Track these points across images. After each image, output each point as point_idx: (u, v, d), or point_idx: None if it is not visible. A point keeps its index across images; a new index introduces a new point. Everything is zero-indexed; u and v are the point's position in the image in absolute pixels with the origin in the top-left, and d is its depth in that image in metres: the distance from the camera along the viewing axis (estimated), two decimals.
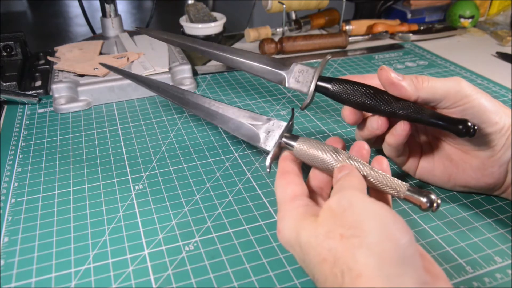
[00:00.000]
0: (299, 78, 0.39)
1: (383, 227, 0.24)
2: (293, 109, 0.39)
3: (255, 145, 0.38)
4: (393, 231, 0.23)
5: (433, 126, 0.34)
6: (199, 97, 0.41)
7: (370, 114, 0.38)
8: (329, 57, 0.39)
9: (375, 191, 0.32)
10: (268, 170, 0.34)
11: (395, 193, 0.30)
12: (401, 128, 0.35)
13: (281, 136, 0.35)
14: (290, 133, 0.36)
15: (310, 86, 0.38)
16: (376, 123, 0.36)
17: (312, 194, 0.33)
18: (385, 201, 0.32)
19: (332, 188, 0.35)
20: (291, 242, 0.28)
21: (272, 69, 0.41)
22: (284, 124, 0.37)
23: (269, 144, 0.37)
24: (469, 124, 0.32)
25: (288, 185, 0.31)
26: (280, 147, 0.35)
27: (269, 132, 0.37)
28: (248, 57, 0.42)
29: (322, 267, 0.24)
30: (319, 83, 0.38)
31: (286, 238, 0.28)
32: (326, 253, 0.24)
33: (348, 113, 0.37)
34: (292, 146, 0.34)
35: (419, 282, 0.22)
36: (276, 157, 0.35)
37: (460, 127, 0.32)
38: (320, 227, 0.25)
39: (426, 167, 0.39)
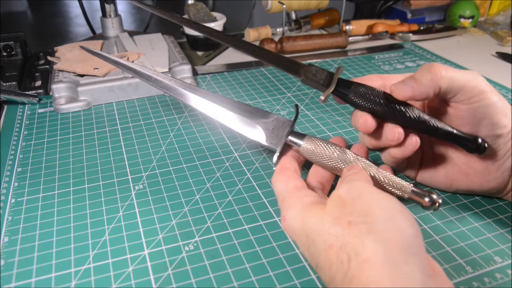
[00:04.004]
0: (316, 76, 0.37)
1: (391, 216, 0.24)
2: (297, 105, 0.38)
3: (259, 142, 0.37)
4: (400, 221, 0.24)
5: (444, 139, 0.33)
6: (198, 91, 0.39)
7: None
8: (342, 70, 0.37)
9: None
10: (275, 168, 0.34)
11: (400, 193, 0.31)
12: (412, 144, 0.34)
13: (287, 134, 0.35)
14: (293, 129, 0.35)
15: (330, 84, 0.36)
16: (391, 133, 0.34)
17: (311, 190, 0.33)
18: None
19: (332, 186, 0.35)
20: (297, 231, 0.28)
21: (289, 63, 0.38)
22: (289, 121, 0.36)
23: (275, 142, 0.36)
24: (480, 141, 0.32)
25: (289, 179, 0.31)
26: (286, 145, 0.35)
27: (273, 129, 0.36)
28: (268, 53, 0.39)
29: (328, 253, 0.24)
30: (338, 88, 0.36)
31: (292, 227, 0.28)
32: (333, 239, 0.24)
33: (364, 121, 0.34)
34: (298, 145, 0.34)
35: (425, 272, 0.23)
36: (282, 155, 0.35)
37: (471, 143, 0.32)
38: (327, 215, 0.26)
39: (428, 171, 0.38)
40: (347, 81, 0.36)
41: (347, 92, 0.35)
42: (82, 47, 0.45)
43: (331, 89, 0.35)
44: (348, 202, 0.26)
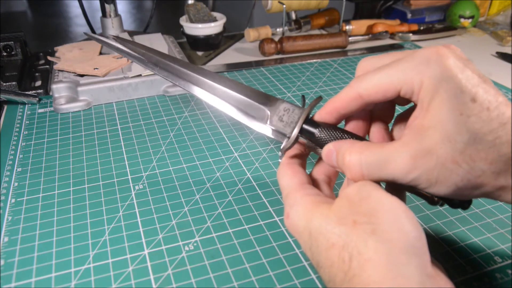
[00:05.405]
0: (284, 117, 0.33)
1: (396, 218, 0.24)
2: (303, 96, 0.36)
3: (264, 134, 0.34)
4: (405, 223, 0.24)
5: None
6: (203, 79, 0.35)
7: None
8: (313, 107, 0.33)
9: (390, 186, 0.32)
10: (280, 160, 0.34)
11: (407, 189, 0.31)
12: None
13: (296, 129, 0.34)
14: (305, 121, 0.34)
15: (294, 128, 0.32)
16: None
17: (316, 184, 0.33)
18: (401, 196, 0.32)
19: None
20: (300, 229, 0.28)
21: (254, 102, 0.35)
22: (297, 116, 0.34)
23: (283, 133, 0.35)
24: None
25: (295, 174, 0.31)
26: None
27: (282, 117, 0.35)
28: (225, 83, 0.35)
29: (330, 252, 0.25)
30: (305, 126, 0.32)
31: (296, 225, 0.28)
32: (336, 238, 0.25)
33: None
34: (305, 140, 0.34)
35: (424, 273, 0.23)
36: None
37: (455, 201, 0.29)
38: (332, 214, 0.26)
39: None
40: (314, 123, 0.32)
41: (314, 131, 0.32)
42: (85, 33, 0.44)
43: (290, 142, 0.31)
44: (355, 202, 0.26)
